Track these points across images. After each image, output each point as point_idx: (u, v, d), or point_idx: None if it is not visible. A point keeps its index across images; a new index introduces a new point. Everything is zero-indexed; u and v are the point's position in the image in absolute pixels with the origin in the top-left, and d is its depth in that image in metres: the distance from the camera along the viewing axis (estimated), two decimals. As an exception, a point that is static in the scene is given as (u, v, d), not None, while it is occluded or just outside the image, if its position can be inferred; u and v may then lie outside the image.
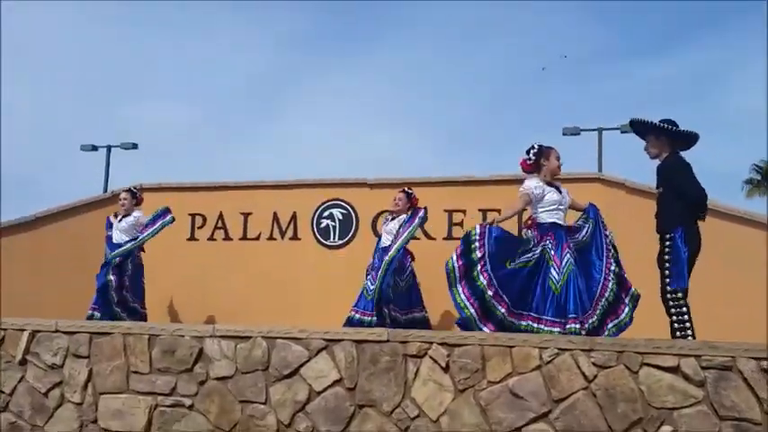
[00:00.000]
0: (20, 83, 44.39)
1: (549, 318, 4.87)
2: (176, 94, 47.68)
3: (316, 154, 40.59)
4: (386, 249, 6.72)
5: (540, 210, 5.22)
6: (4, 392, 5.13)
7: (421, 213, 6.65)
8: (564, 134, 21.22)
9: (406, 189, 7.17)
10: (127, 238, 7.38)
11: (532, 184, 5.24)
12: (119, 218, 7.54)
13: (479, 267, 4.97)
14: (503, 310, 4.91)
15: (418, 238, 7.09)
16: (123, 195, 7.63)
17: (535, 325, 4.88)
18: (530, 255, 5.05)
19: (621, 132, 20.13)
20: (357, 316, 6.48)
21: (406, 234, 6.55)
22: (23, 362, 5.13)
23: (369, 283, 6.60)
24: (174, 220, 7.50)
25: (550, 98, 45.53)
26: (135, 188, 7.84)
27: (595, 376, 4.13)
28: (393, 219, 7.01)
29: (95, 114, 43.22)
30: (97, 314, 7.09)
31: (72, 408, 4.96)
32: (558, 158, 5.34)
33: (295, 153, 42.32)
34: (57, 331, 5.08)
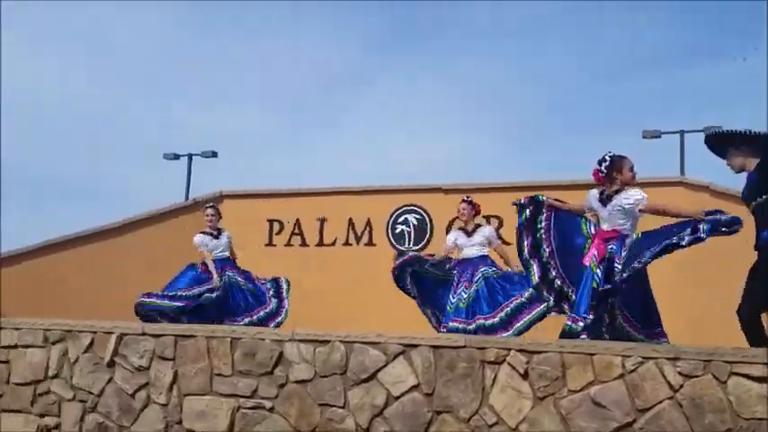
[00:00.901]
0: (100, 88, 45.98)
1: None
2: (245, 99, 48.59)
3: (387, 157, 40.76)
4: (471, 261, 6.62)
5: (629, 224, 5.07)
6: (93, 393, 5.31)
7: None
8: (644, 137, 20.60)
9: (466, 198, 7.08)
10: (228, 254, 7.42)
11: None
12: (214, 234, 7.37)
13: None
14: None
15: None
16: (211, 212, 7.43)
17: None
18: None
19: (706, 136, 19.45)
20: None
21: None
22: (111, 364, 5.30)
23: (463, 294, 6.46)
24: None
25: (626, 99, 44.41)
26: (215, 204, 7.69)
27: (681, 386, 4.01)
28: (475, 229, 6.89)
29: (160, 118, 44.42)
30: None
31: (158, 409, 5.10)
32: (631, 169, 5.12)
33: (366, 156, 42.61)
34: (143, 334, 5.24)
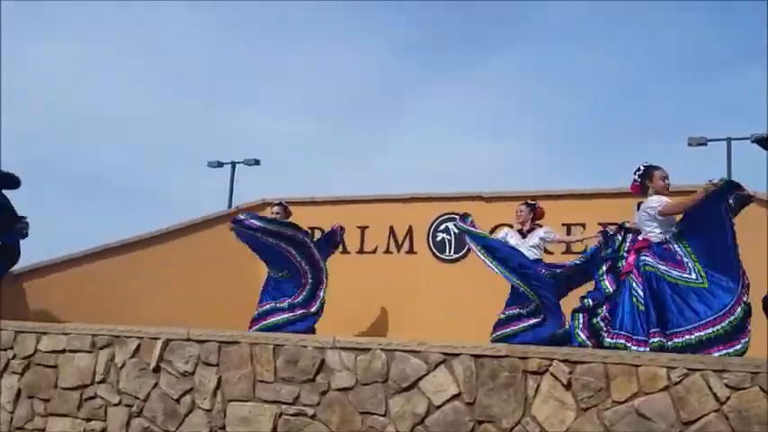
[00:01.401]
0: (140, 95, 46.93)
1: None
2: (285, 107, 49.04)
3: (429, 165, 40.74)
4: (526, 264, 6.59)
5: (657, 230, 5.04)
6: (138, 398, 5.39)
7: None
8: (689, 144, 20.31)
9: (528, 201, 7.03)
10: None
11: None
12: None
13: None
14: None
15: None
16: (277, 209, 7.64)
17: None
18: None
19: (752, 142, 19.10)
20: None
21: None
22: (157, 369, 5.37)
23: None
24: None
25: (671, 106, 43.73)
26: (284, 202, 7.85)
27: (728, 398, 3.95)
28: (531, 231, 6.83)
29: (202, 126, 45.07)
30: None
31: (202, 414, 5.16)
32: (663, 179, 5.12)
33: (408, 165, 42.65)
34: (189, 340, 5.31)
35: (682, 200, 5.02)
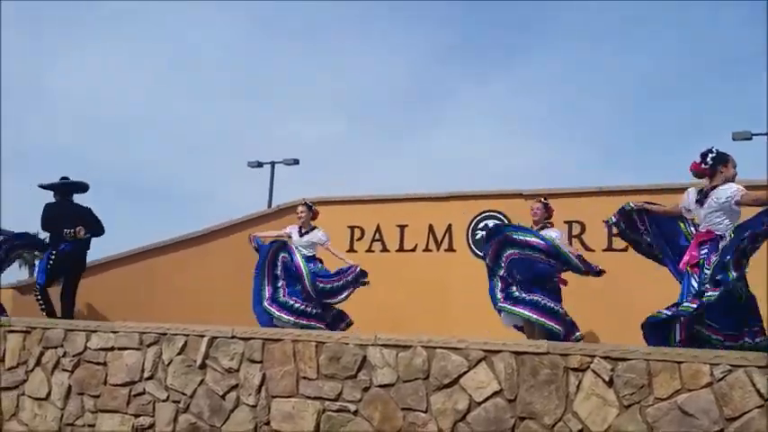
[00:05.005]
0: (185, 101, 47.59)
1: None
2: (323, 108, 49.30)
3: (465, 165, 40.64)
4: None
5: (725, 223, 4.82)
6: (185, 394, 5.51)
7: None
8: (734, 139, 19.90)
9: (542, 200, 7.04)
10: (307, 253, 7.54)
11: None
12: (299, 232, 7.66)
13: None
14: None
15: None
16: (301, 209, 7.71)
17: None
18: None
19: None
20: None
21: None
22: (203, 366, 5.49)
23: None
24: None
25: (712, 101, 42.93)
26: (310, 202, 7.87)
27: (772, 394, 3.92)
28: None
29: (245, 127, 45.53)
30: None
31: (247, 410, 5.26)
32: (735, 167, 4.97)
33: (443, 165, 42.59)
34: (233, 337, 5.42)
35: (761, 194, 4.74)
